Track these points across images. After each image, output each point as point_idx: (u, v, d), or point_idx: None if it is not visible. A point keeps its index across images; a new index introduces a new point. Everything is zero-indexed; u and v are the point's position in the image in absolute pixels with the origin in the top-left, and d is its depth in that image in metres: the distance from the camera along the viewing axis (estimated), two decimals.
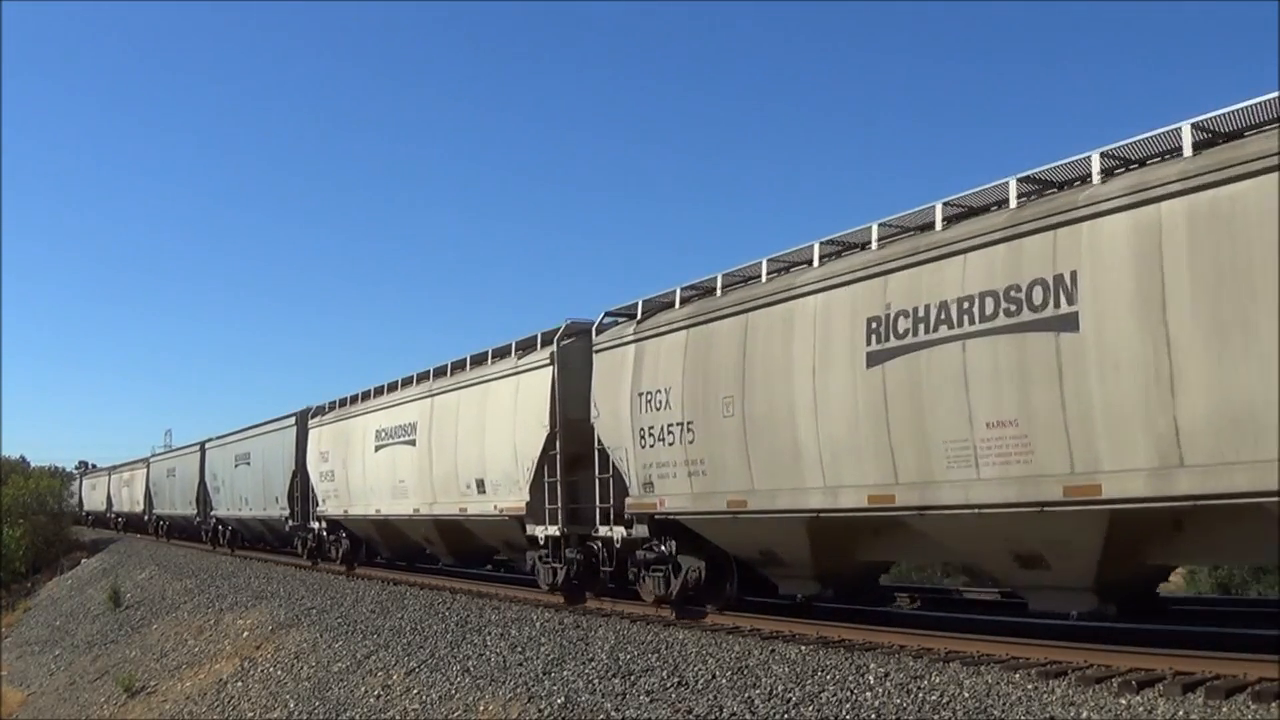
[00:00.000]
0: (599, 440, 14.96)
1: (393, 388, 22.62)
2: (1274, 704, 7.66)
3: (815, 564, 12.08)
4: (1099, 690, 8.54)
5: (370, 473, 22.81)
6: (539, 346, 16.89)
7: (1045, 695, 8.66)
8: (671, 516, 13.53)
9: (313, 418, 27.37)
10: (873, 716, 9.06)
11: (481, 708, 12.22)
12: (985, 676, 9.39)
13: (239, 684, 18.22)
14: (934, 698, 9.09)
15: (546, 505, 16.04)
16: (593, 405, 15.10)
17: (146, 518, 49.98)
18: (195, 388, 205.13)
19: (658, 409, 13.53)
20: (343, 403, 25.61)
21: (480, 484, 17.96)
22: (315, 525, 27.15)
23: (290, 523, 28.78)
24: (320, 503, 26.21)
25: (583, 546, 15.73)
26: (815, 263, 11.69)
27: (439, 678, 13.76)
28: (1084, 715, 8.15)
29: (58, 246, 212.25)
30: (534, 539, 16.58)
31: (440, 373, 20.43)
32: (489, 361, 18.58)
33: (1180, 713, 7.84)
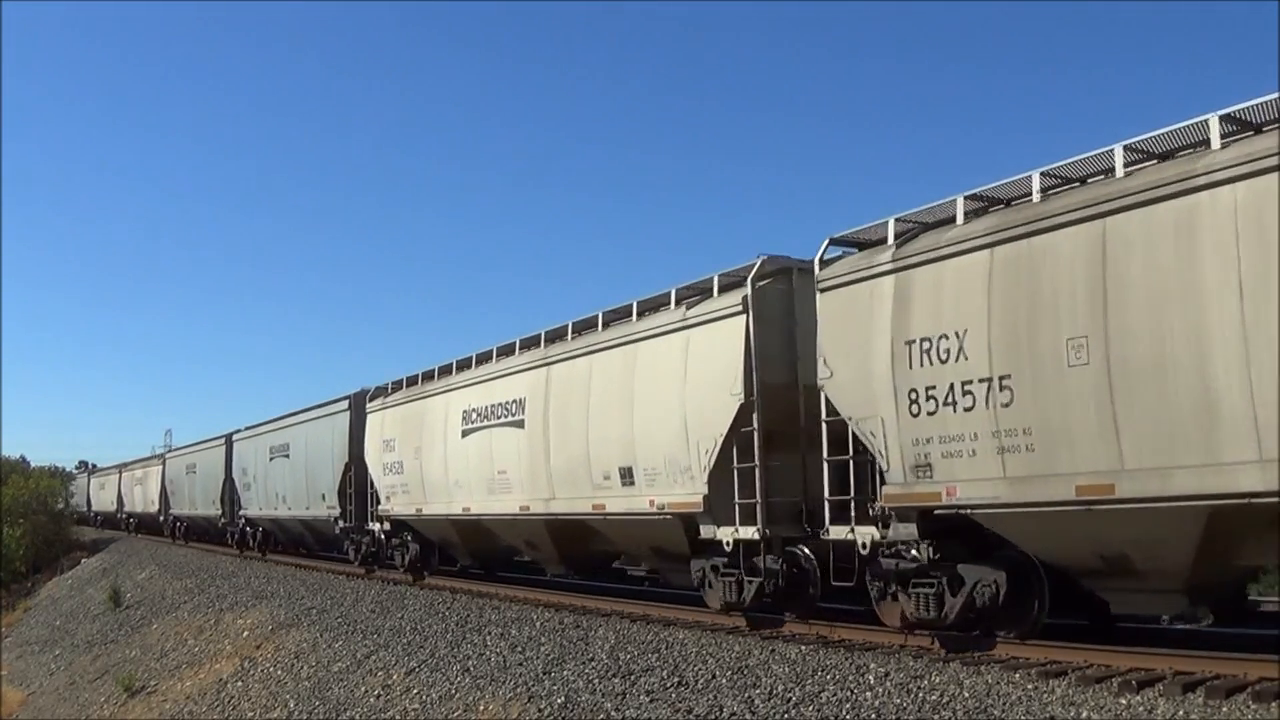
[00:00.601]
0: (828, 409, 11.38)
1: (485, 359, 18.66)
2: (1274, 704, 7.66)
3: (1193, 572, 8.85)
4: (1099, 690, 8.55)
5: (455, 463, 18.87)
6: (716, 292, 13.25)
7: (1045, 695, 8.67)
8: (967, 510, 10.04)
9: (372, 400, 23.38)
10: (873, 716, 9.06)
11: (481, 708, 12.22)
12: (985, 676, 9.39)
13: (239, 684, 18.22)
14: (934, 698, 9.09)
15: (737, 499, 12.40)
16: (819, 362, 11.40)
17: (162, 518, 46.19)
18: (195, 388, 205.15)
19: (942, 360, 10.06)
20: (413, 380, 21.66)
21: (626, 473, 14.11)
22: (375, 527, 23.12)
23: (341, 524, 24.75)
24: (383, 500, 22.22)
25: (784, 553, 12.29)
26: (1215, 143, 8.52)
27: (439, 678, 13.75)
28: (1084, 715, 8.15)
29: (57, 247, 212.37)
30: (710, 544, 13.00)
31: (557, 336, 16.52)
32: (634, 317, 14.74)
33: (1180, 713, 7.85)
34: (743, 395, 12.25)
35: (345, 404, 24.93)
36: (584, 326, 16.07)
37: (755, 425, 12.20)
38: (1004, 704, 8.63)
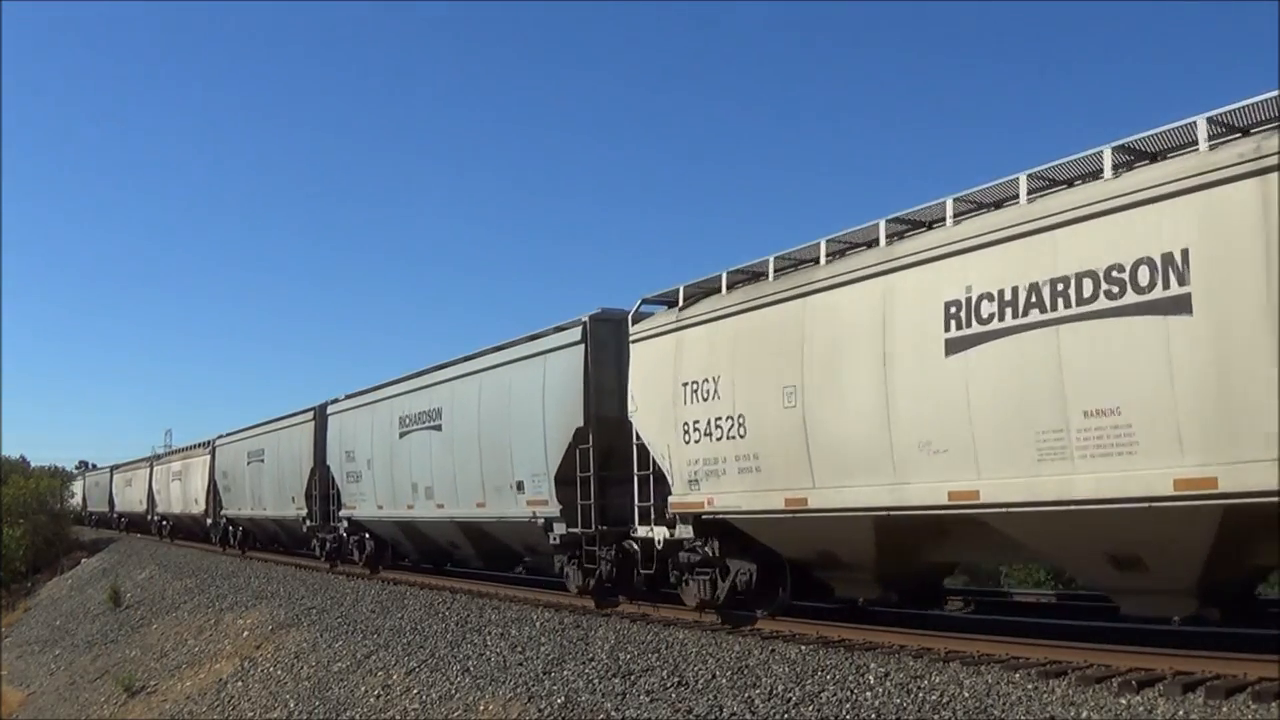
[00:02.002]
0: None
1: (931, 220, 10.53)
2: (1274, 704, 7.67)
3: None
4: (1099, 690, 8.56)
5: (874, 411, 10.47)
6: None
7: (1045, 695, 8.68)
8: None
9: (638, 323, 14.28)
10: (873, 716, 9.07)
11: (481, 708, 12.23)
12: (985, 676, 9.40)
13: (239, 684, 18.24)
14: (934, 698, 9.10)
15: None
16: None
17: (209, 521, 37.51)
18: (195, 388, 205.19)
19: None
20: (746, 278, 12.82)
21: None
22: (655, 534, 13.71)
23: (562, 530, 15.43)
24: (691, 482, 12.89)
25: None
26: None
27: (439, 678, 13.76)
28: (1084, 715, 8.16)
29: (57, 246, 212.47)
30: None
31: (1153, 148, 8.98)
32: None
33: (1180, 713, 7.85)
34: None
35: (577, 334, 15.44)
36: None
37: None
38: (1004, 704, 8.64)
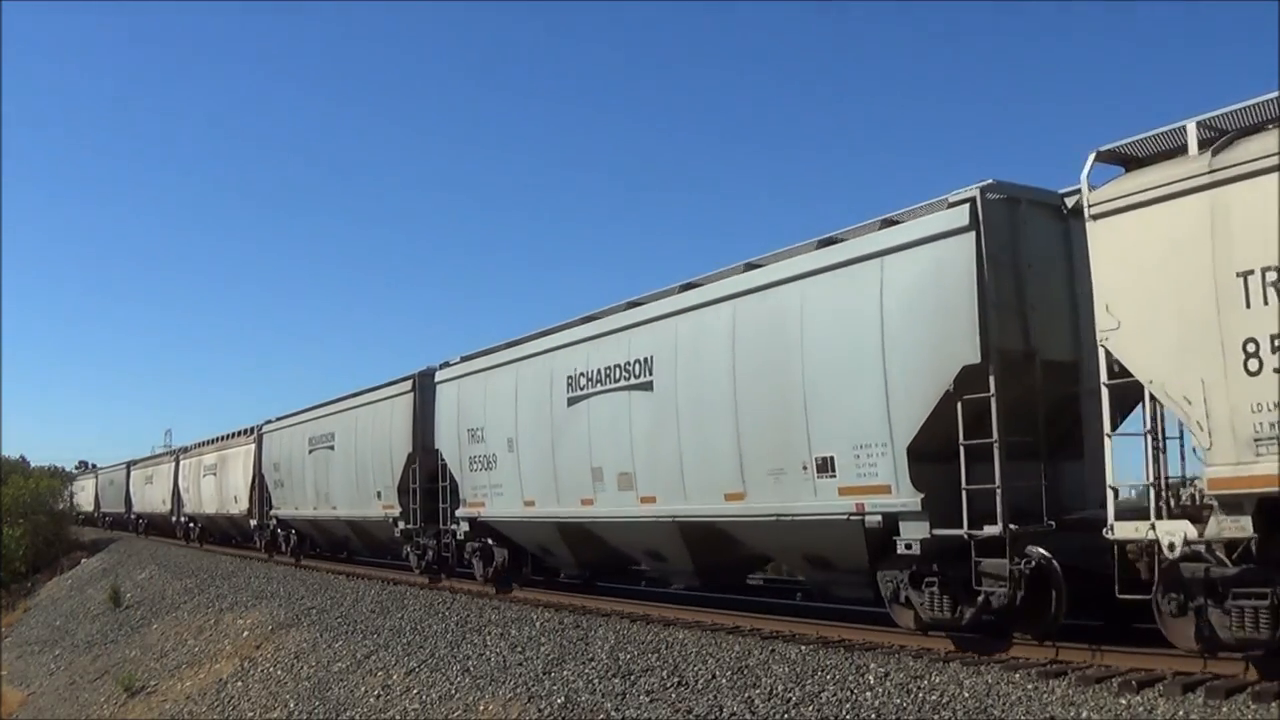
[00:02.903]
0: None
1: None
2: (1274, 704, 7.67)
3: None
4: (1099, 690, 8.56)
5: None
6: None
7: (1045, 695, 8.68)
8: None
9: (1099, 188, 9.09)
10: (873, 716, 9.07)
11: (481, 708, 12.24)
12: (985, 676, 9.40)
13: (239, 684, 18.24)
14: (934, 698, 9.10)
15: None
16: None
17: (253, 523, 32.22)
18: (195, 388, 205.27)
19: None
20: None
21: None
22: (1163, 534, 8.42)
23: (920, 534, 10.24)
24: (1260, 441, 7.90)
25: None
26: None
27: (439, 678, 13.76)
28: (1084, 715, 8.17)
29: (57, 245, 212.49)
30: None
31: None
32: None
33: (1180, 713, 7.86)
34: None
35: (960, 216, 10.01)
36: None
37: None
38: (1004, 704, 8.65)
